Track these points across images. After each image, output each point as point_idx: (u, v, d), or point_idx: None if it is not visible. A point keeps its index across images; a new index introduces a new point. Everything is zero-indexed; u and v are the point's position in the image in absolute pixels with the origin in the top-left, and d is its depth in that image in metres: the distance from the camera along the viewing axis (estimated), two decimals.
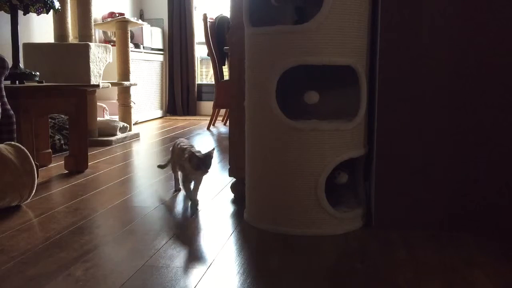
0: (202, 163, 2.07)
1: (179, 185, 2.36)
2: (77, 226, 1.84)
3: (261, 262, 1.51)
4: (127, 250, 1.60)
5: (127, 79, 4.34)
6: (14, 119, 2.39)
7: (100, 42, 5.21)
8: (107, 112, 4.69)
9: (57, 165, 3.00)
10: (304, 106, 1.95)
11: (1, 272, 1.42)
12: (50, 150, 3.03)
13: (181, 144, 2.26)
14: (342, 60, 1.70)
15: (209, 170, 2.11)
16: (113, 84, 4.11)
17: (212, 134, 4.55)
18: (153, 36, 5.81)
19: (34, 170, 2.09)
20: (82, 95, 2.90)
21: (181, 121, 5.62)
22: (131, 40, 4.94)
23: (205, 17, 4.70)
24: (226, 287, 1.33)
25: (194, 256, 1.55)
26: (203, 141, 4.05)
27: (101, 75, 3.81)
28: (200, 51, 6.37)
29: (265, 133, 1.77)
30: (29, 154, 2.09)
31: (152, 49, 5.76)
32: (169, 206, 2.11)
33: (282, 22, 1.97)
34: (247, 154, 1.88)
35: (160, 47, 6.05)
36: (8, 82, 2.83)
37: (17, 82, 2.87)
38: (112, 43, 4.78)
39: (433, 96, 1.74)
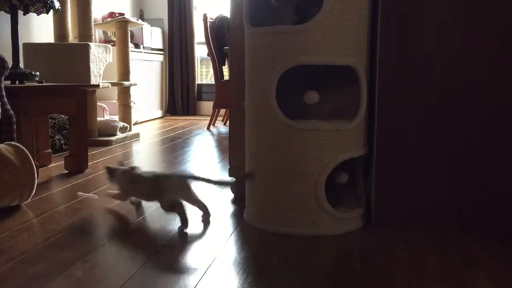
0: None
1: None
2: (77, 226, 1.84)
3: (261, 262, 1.51)
4: (127, 250, 1.60)
5: (127, 79, 4.34)
6: (14, 119, 2.39)
7: (100, 42, 5.21)
8: (107, 112, 4.68)
9: (57, 165, 3.00)
10: (304, 106, 1.95)
11: (1, 272, 1.42)
12: (50, 150, 3.03)
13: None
14: (342, 60, 1.70)
15: None
16: (113, 84, 4.10)
17: (212, 134, 4.55)
18: (153, 36, 5.81)
19: (34, 170, 2.09)
20: (82, 95, 2.90)
21: (181, 121, 5.62)
22: (131, 40, 4.94)
23: (205, 17, 4.70)
24: (226, 287, 1.34)
25: (194, 256, 1.55)
26: (203, 141, 4.05)
27: (101, 75, 3.81)
28: (200, 51, 6.37)
29: (265, 133, 1.77)
30: (29, 154, 2.09)
31: (152, 49, 5.76)
32: None
33: (282, 22, 1.97)
34: (247, 154, 1.88)
35: (160, 47, 6.04)
36: (8, 82, 2.83)
37: (17, 82, 2.86)
38: (112, 43, 4.78)
39: (434, 95, 1.74)
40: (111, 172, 2.04)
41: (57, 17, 3.77)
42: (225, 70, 5.00)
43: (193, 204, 1.91)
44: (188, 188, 1.86)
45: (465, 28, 1.70)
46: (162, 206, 1.83)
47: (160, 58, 6.02)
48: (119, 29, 4.32)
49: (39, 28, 4.12)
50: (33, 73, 2.93)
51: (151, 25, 5.87)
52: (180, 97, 6.18)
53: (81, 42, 3.78)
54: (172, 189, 1.82)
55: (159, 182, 1.84)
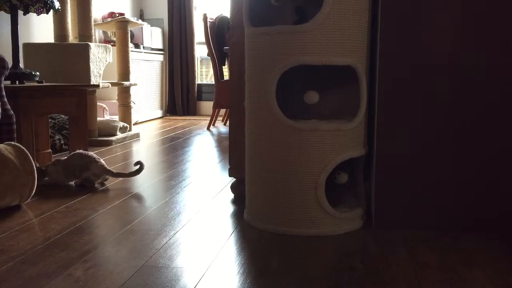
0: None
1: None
2: (77, 226, 1.84)
3: (261, 262, 1.51)
4: (127, 250, 1.60)
5: (127, 79, 4.34)
6: (14, 119, 2.39)
7: (100, 42, 5.22)
8: (107, 112, 4.69)
9: None
10: (304, 106, 1.95)
11: (1, 272, 1.42)
12: (50, 150, 3.03)
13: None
14: (342, 60, 1.70)
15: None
16: (113, 84, 4.11)
17: (212, 134, 4.55)
18: (153, 36, 5.81)
19: (34, 170, 2.09)
20: (82, 95, 2.90)
21: (181, 121, 5.62)
22: (131, 40, 4.95)
23: (205, 17, 4.71)
24: (226, 287, 1.34)
25: (194, 256, 1.55)
26: (203, 141, 4.05)
27: (101, 75, 3.81)
28: (200, 51, 6.37)
29: (265, 133, 1.77)
30: (29, 154, 2.09)
31: (152, 49, 5.76)
32: (169, 206, 2.11)
33: (282, 22, 1.97)
34: (247, 154, 1.88)
35: (160, 47, 6.05)
36: (8, 82, 2.83)
37: (17, 82, 2.87)
38: (112, 43, 4.79)
39: (433, 95, 1.74)
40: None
41: (57, 17, 3.77)
42: (225, 70, 5.00)
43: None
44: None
45: (465, 28, 1.70)
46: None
47: (160, 58, 6.02)
48: (119, 29, 4.32)
49: (39, 28, 4.12)
50: (33, 73, 2.93)
51: (151, 25, 5.87)
52: (180, 97, 6.18)
53: (81, 42, 3.78)
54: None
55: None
